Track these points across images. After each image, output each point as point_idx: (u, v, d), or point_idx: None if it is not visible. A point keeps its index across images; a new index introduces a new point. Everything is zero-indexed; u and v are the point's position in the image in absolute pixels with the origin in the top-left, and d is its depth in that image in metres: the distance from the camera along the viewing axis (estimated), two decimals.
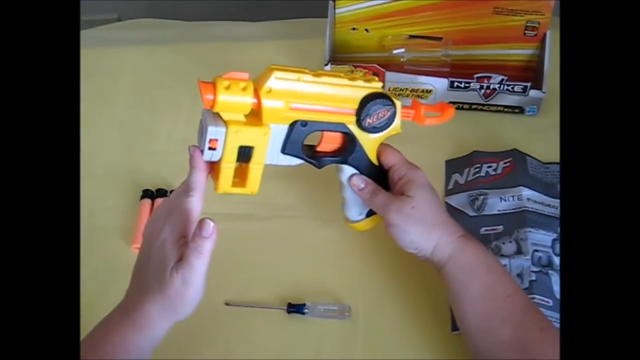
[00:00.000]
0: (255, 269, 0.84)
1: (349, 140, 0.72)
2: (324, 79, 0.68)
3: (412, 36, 0.99)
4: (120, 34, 1.20)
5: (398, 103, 0.72)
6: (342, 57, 1.02)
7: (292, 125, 0.67)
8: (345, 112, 0.70)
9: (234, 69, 1.06)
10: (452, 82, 0.95)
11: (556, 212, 0.83)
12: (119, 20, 1.61)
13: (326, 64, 0.97)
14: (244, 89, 0.63)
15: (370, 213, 0.76)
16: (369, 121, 0.70)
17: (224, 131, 0.63)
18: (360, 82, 0.70)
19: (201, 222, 0.61)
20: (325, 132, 0.71)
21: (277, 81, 0.65)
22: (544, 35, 0.95)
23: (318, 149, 0.72)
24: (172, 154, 0.95)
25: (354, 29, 1.00)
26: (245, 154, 0.65)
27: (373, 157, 0.74)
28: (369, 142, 0.72)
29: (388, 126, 0.72)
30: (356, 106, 0.70)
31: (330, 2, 0.98)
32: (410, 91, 0.97)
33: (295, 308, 0.79)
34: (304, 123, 0.68)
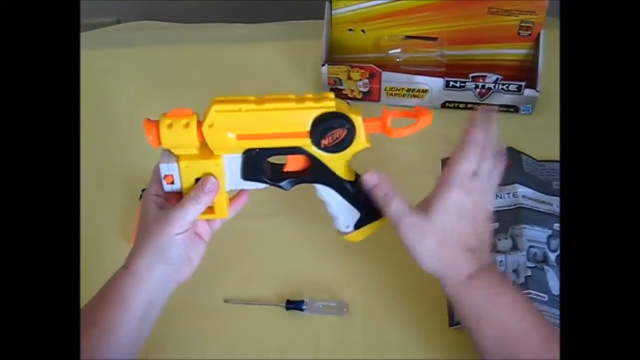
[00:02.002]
0: (254, 266, 0.85)
1: (312, 161, 0.68)
2: (268, 105, 0.65)
3: (408, 37, 1.00)
4: (119, 36, 1.21)
5: (357, 119, 0.66)
6: (338, 58, 1.02)
7: (245, 153, 0.67)
8: (297, 135, 0.66)
9: (231, 71, 1.08)
10: (447, 82, 0.96)
11: (551, 208, 0.84)
12: (118, 22, 1.61)
13: (323, 65, 0.98)
14: (187, 126, 0.64)
15: (359, 225, 0.73)
16: (324, 142, 0.67)
17: (176, 167, 0.66)
18: (309, 103, 0.65)
19: (204, 178, 0.66)
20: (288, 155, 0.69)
21: (218, 114, 0.64)
22: (538, 35, 0.96)
23: (285, 169, 0.70)
24: None
25: (350, 29, 1.01)
26: None
27: (343, 173, 0.70)
28: (334, 161, 0.69)
29: (348, 144, 0.67)
30: (307, 128, 0.66)
31: (326, 3, 0.99)
32: (407, 91, 0.98)
33: (294, 305, 0.79)
34: (257, 150, 0.67)
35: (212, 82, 1.06)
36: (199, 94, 1.03)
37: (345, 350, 0.77)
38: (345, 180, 0.70)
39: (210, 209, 0.68)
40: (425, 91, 0.98)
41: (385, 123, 0.67)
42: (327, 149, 0.67)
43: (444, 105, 0.99)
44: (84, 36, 1.14)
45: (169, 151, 0.66)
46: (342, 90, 1.00)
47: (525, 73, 0.99)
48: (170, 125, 0.64)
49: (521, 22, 0.96)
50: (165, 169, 0.66)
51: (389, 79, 0.98)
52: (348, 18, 1.00)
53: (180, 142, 0.65)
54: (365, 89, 0.99)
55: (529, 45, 0.98)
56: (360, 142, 0.67)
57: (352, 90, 1.00)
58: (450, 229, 0.66)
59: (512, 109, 0.98)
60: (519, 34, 0.97)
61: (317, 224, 0.87)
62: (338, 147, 0.67)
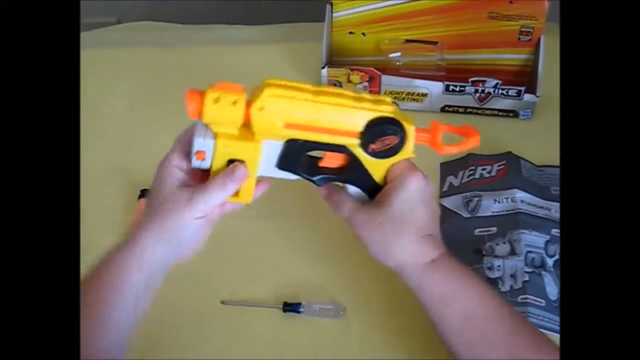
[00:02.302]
0: (251, 268, 0.84)
1: (353, 161, 0.65)
2: (324, 98, 0.62)
3: (408, 40, 1.01)
4: (119, 36, 1.21)
5: (410, 128, 0.64)
6: (338, 61, 1.03)
7: (288, 142, 0.63)
8: (347, 134, 0.63)
9: (231, 72, 1.08)
10: (447, 86, 0.96)
11: (549, 214, 0.84)
12: (118, 23, 1.61)
13: (323, 67, 0.98)
14: (234, 103, 0.60)
15: None
16: (373, 147, 0.64)
17: (212, 144, 0.61)
18: (366, 104, 0.63)
19: (235, 165, 0.62)
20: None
21: (271, 99, 0.60)
22: (539, 40, 0.96)
23: (321, 164, 0.66)
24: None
25: (351, 32, 1.01)
26: None
27: (380, 179, 0.67)
28: (375, 165, 0.65)
29: (396, 152, 0.64)
30: (360, 129, 0.63)
31: (327, 5, 0.99)
32: (406, 94, 0.98)
33: (291, 307, 0.79)
34: (300, 142, 0.63)
35: (212, 83, 1.06)
36: None
37: (342, 353, 0.77)
38: (379, 185, 0.67)
39: (235, 192, 0.64)
40: (424, 95, 0.98)
41: (435, 137, 0.65)
42: (374, 153, 0.65)
43: (443, 110, 0.99)
44: (84, 36, 1.14)
45: (206, 126, 0.62)
46: None
47: (525, 78, 1.00)
48: (217, 100, 0.59)
49: (521, 27, 0.96)
50: (199, 144, 0.61)
51: (389, 82, 0.98)
52: (349, 21, 1.00)
53: (222, 119, 0.60)
54: (366, 92, 0.99)
55: (529, 51, 0.98)
56: (407, 151, 0.65)
57: None
58: (407, 216, 0.64)
59: (511, 114, 0.98)
60: (519, 39, 0.97)
61: (315, 225, 0.87)
62: (386, 153, 0.65)
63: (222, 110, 0.60)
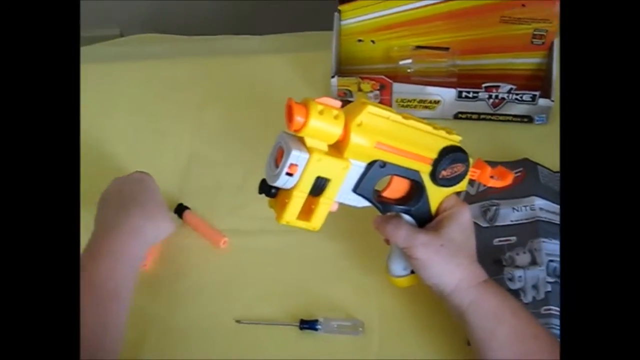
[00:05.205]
0: (265, 285, 0.83)
1: (417, 190, 0.69)
2: (411, 122, 0.65)
3: (419, 47, 0.99)
4: (122, 50, 1.19)
5: (471, 161, 0.70)
6: (348, 69, 1.01)
7: (371, 164, 0.65)
8: (423, 160, 0.67)
9: (239, 83, 1.07)
10: (460, 92, 0.94)
11: None
12: (121, 36, 1.60)
13: (332, 77, 0.96)
14: (336, 118, 0.60)
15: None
16: (443, 173, 0.68)
17: (307, 158, 0.60)
18: (442, 132, 0.68)
19: None
20: (394, 178, 0.69)
21: (369, 116, 0.62)
22: (552, 43, 0.94)
23: (383, 194, 0.70)
24: (174, 168, 0.95)
25: (360, 40, 1.00)
26: (319, 186, 0.62)
27: (434, 209, 0.71)
28: (435, 195, 0.70)
29: (458, 182, 0.70)
30: (435, 156, 0.67)
31: (335, 13, 0.97)
32: (418, 102, 0.96)
33: (308, 324, 0.77)
34: (383, 164, 0.65)
35: (220, 95, 1.05)
36: (205, 108, 1.03)
37: None
38: (431, 216, 0.71)
39: (307, 215, 0.64)
40: (437, 102, 0.96)
41: (485, 172, 0.72)
42: (441, 181, 0.69)
43: (456, 117, 0.98)
44: (87, 50, 1.12)
45: (301, 140, 0.61)
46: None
47: (539, 82, 0.98)
48: (321, 112, 0.59)
49: (534, 31, 0.94)
50: (295, 157, 0.60)
51: (400, 90, 0.96)
52: (357, 29, 0.99)
53: (322, 133, 0.60)
54: (376, 101, 0.97)
55: (542, 54, 0.96)
56: (462, 184, 0.71)
57: None
58: (464, 242, 0.70)
59: (526, 119, 0.96)
60: (532, 42, 0.95)
61: (330, 241, 0.85)
62: (451, 181, 0.70)
63: (325, 122, 0.59)
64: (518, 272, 0.78)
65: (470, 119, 0.97)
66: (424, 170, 0.68)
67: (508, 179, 0.74)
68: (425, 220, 0.71)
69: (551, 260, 0.78)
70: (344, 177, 0.63)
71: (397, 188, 0.70)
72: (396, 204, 0.70)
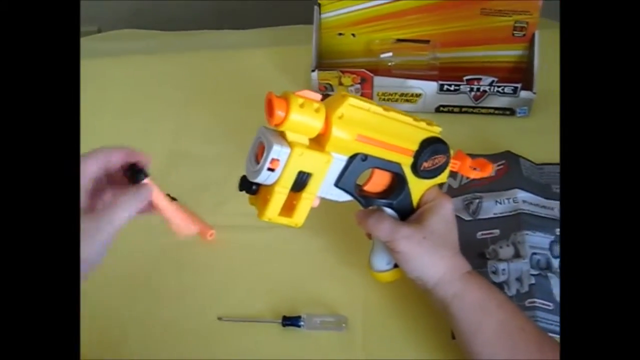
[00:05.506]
0: (248, 281, 0.82)
1: (399, 182, 0.69)
2: (392, 114, 0.65)
3: (400, 40, 0.98)
4: (101, 46, 1.18)
5: (452, 152, 0.70)
6: (329, 63, 1.00)
7: (352, 157, 0.64)
8: (404, 152, 0.67)
9: (221, 77, 1.06)
10: (441, 85, 0.94)
11: (552, 213, 0.82)
12: (99, 32, 1.58)
13: (313, 70, 0.95)
14: (317, 111, 0.59)
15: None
16: (425, 165, 0.68)
17: (289, 152, 0.59)
18: (422, 124, 0.67)
19: (142, 185, 0.64)
20: (375, 172, 0.68)
21: (350, 108, 0.61)
22: (533, 35, 0.94)
23: (365, 188, 0.69)
24: (159, 165, 0.93)
25: (340, 34, 0.99)
26: (301, 181, 0.61)
27: (415, 202, 0.71)
28: (417, 188, 0.70)
29: (439, 174, 0.70)
30: (415, 147, 0.67)
31: (315, 7, 0.97)
32: (400, 95, 0.96)
33: (290, 321, 0.76)
34: (364, 157, 0.64)
35: (201, 90, 1.04)
36: (187, 103, 1.02)
37: None
38: (413, 209, 0.71)
39: (289, 211, 0.63)
40: (418, 95, 0.96)
41: (465, 164, 0.72)
42: (422, 172, 0.69)
43: (438, 110, 0.97)
44: None
45: (282, 135, 0.60)
46: None
47: (520, 74, 0.98)
48: (302, 105, 0.58)
49: (515, 23, 0.94)
50: (276, 152, 0.58)
51: (381, 83, 0.95)
52: (338, 22, 0.98)
53: (304, 126, 0.59)
54: (358, 95, 0.97)
55: (523, 46, 0.96)
56: (443, 176, 0.71)
57: None
58: (446, 234, 0.70)
59: (508, 112, 0.96)
60: (513, 34, 0.95)
61: (313, 236, 0.84)
62: (432, 173, 0.70)
63: (305, 116, 0.59)
64: (502, 265, 0.77)
65: (452, 112, 0.97)
66: (405, 163, 0.68)
67: (488, 170, 0.73)
68: (408, 213, 0.71)
69: (534, 253, 0.78)
70: (326, 171, 0.62)
71: (378, 181, 0.69)
72: (378, 198, 0.69)
